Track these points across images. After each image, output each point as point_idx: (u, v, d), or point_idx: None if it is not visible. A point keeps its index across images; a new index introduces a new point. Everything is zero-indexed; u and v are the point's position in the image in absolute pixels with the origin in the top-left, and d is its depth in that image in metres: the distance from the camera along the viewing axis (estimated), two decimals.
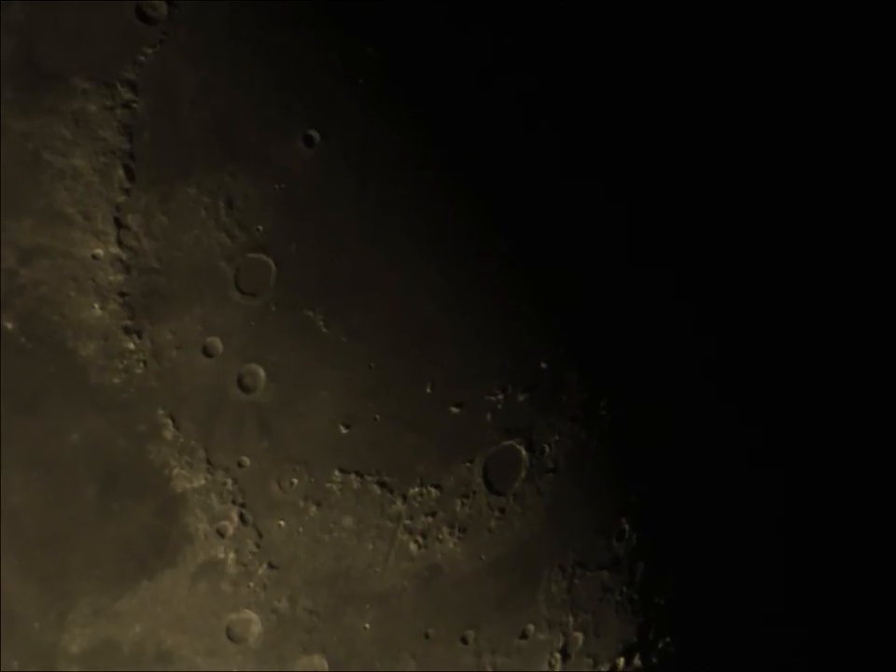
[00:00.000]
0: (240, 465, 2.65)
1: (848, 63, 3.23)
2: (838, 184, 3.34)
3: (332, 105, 2.47)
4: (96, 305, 2.37)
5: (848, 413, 3.72)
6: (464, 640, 3.15)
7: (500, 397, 2.91)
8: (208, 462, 2.61)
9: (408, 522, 2.90)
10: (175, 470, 2.58)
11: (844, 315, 3.55)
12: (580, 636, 3.38)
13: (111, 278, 2.37)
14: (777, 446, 3.58)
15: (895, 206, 3.45)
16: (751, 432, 3.50)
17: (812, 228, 3.33)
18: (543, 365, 2.94)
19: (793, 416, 3.56)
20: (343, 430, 2.74)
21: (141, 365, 2.46)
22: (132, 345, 2.44)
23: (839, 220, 3.39)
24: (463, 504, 2.96)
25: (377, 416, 2.77)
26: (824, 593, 4.00)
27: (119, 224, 2.33)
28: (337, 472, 2.77)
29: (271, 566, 2.77)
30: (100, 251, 2.34)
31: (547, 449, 3.04)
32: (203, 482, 2.62)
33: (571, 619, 3.33)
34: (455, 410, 2.85)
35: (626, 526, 3.31)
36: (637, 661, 3.55)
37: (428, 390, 2.81)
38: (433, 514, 2.93)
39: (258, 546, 2.74)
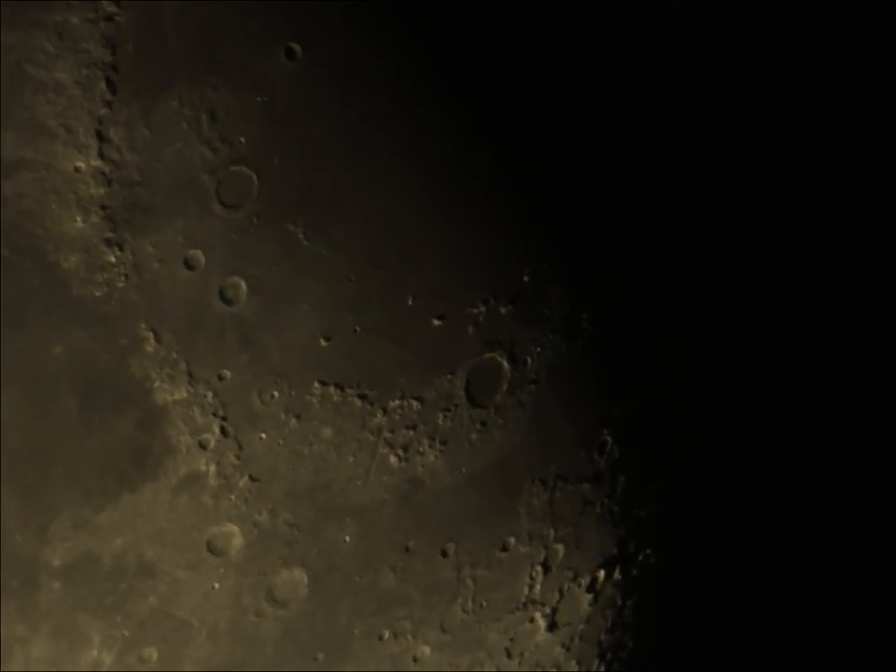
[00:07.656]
0: (220, 378, 2.76)
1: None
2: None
3: (314, 19, 2.52)
4: (78, 218, 2.45)
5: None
6: (444, 553, 3.31)
7: (482, 309, 3.01)
8: (189, 375, 2.71)
9: (388, 435, 3.03)
10: (157, 383, 2.69)
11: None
12: (560, 548, 3.53)
13: (92, 191, 2.44)
14: (762, 362, 3.75)
15: None
16: (738, 348, 3.66)
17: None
18: (525, 278, 3.04)
19: (784, 341, 3.72)
20: (324, 343, 2.85)
21: (122, 278, 2.55)
22: (112, 258, 2.52)
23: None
24: (444, 417, 3.09)
25: (357, 329, 2.87)
26: (810, 508, 4.20)
27: (100, 137, 2.40)
28: (317, 385, 2.88)
29: (251, 478, 2.90)
30: (81, 164, 2.41)
31: (529, 361, 3.16)
32: (184, 394, 2.73)
33: (552, 532, 3.47)
34: (436, 322, 2.96)
35: (608, 439, 3.44)
36: (617, 573, 3.76)
37: (410, 302, 2.90)
38: (414, 427, 3.06)
39: (238, 459, 2.87)
